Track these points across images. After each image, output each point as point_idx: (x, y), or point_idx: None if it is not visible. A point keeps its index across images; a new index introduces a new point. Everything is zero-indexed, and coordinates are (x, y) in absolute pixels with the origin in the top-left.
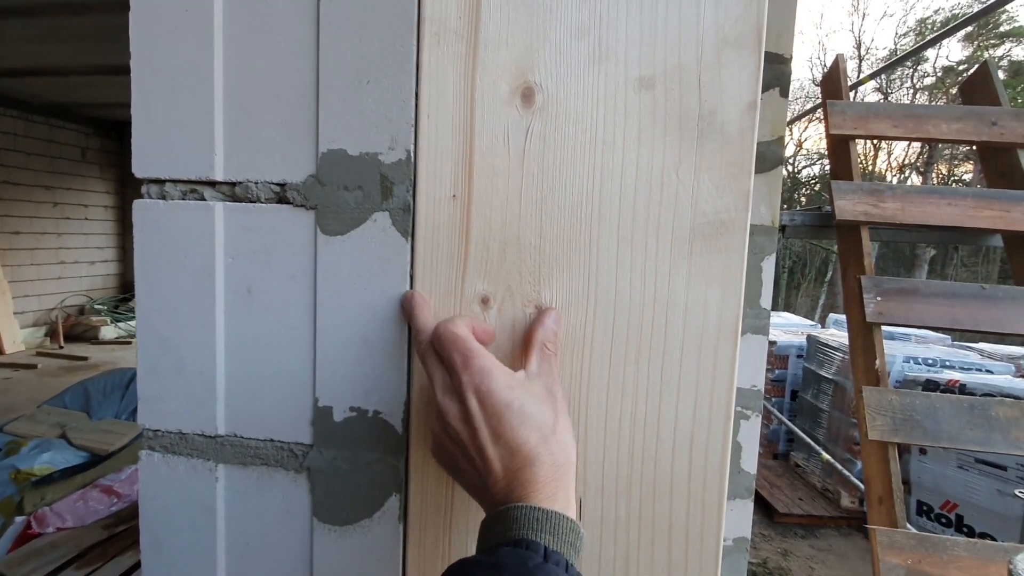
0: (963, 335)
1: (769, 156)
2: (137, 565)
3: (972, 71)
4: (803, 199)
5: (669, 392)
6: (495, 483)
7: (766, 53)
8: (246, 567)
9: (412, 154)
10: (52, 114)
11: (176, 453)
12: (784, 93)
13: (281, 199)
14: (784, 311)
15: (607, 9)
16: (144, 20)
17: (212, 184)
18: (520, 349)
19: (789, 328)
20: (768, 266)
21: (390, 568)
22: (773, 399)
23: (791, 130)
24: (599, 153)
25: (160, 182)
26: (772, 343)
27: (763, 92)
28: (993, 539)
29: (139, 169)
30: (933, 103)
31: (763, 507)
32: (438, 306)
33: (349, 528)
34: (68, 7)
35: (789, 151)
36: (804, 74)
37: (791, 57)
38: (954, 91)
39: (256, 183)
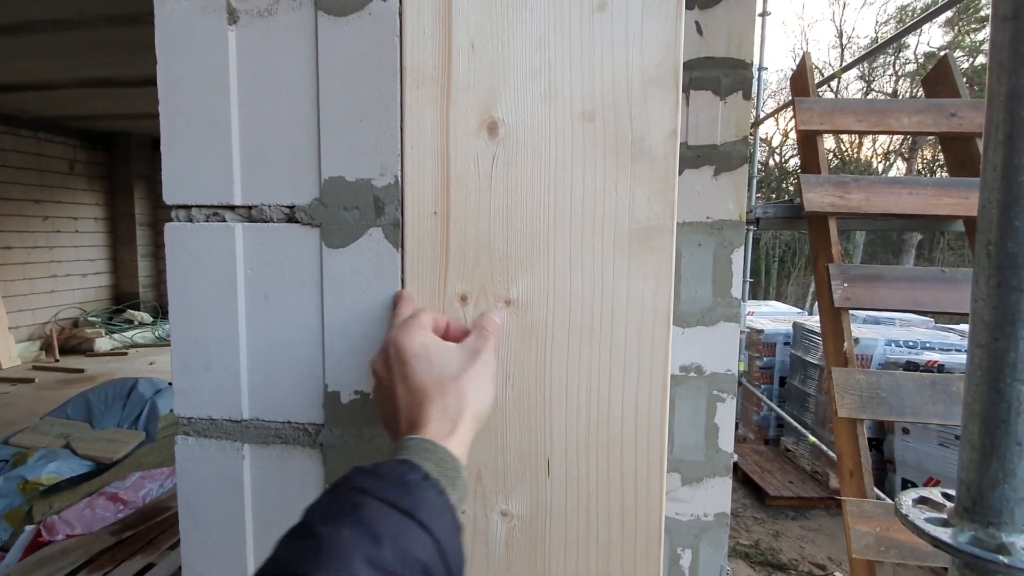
0: (952, 318)
1: (735, 155)
2: (146, 568)
3: (933, 65)
4: (791, 188)
5: (617, 369)
6: (399, 419)
7: (728, 59)
8: (270, 531)
9: (399, 179)
10: (40, 127)
11: (207, 436)
12: (747, 96)
13: (291, 219)
14: (775, 300)
15: (555, 57)
16: (169, 72)
17: (232, 208)
18: None
19: (777, 316)
20: (737, 258)
21: None
22: (762, 386)
23: (776, 120)
24: (553, 174)
25: (187, 207)
26: (759, 332)
27: (727, 96)
28: None
29: (169, 197)
30: (914, 89)
31: (755, 491)
32: (425, 303)
33: None
34: (56, 23)
35: (776, 141)
36: (788, 64)
37: (752, 62)
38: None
39: (269, 206)
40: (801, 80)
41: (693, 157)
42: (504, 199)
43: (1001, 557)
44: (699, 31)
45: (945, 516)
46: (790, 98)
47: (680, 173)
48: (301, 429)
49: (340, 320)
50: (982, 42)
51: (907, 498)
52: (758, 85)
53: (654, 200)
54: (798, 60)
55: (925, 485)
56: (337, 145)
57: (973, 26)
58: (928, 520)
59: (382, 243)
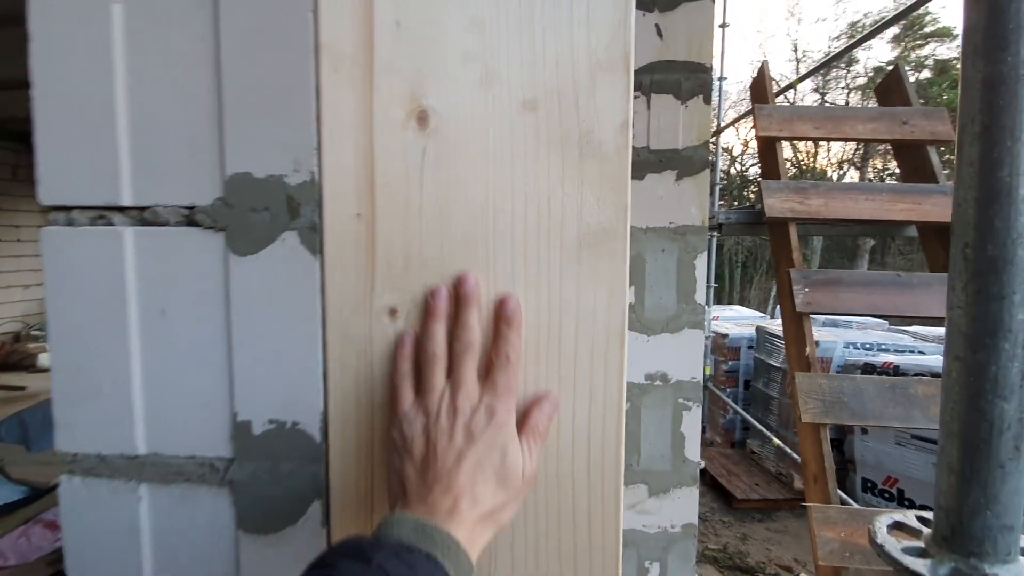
0: (904, 320)
1: (697, 160)
2: None
3: (885, 74)
4: (751, 195)
5: (566, 392)
6: (437, 495)
7: (689, 63)
8: None
9: (316, 175)
10: None
11: (97, 476)
12: (707, 100)
13: (191, 222)
14: (738, 304)
15: (491, 36)
16: (44, 50)
17: (121, 210)
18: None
19: (741, 321)
20: (701, 264)
21: None
22: (728, 389)
23: (736, 129)
24: (491, 172)
25: (67, 209)
26: (724, 336)
27: (688, 100)
28: (929, 509)
29: (45, 197)
30: (865, 101)
31: (722, 494)
32: (348, 318)
33: (274, 536)
34: None
35: (737, 151)
36: (747, 76)
37: (711, 66)
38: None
39: (165, 207)
40: (760, 88)
41: (655, 161)
42: (436, 200)
43: None
44: (659, 34)
45: (922, 544)
46: (750, 107)
47: (642, 178)
48: (207, 465)
49: (249, 338)
50: (926, 57)
51: (881, 524)
52: (719, 94)
53: (605, 201)
54: (757, 69)
55: (884, 484)
56: (243, 136)
57: (918, 42)
58: (905, 550)
59: (298, 249)
